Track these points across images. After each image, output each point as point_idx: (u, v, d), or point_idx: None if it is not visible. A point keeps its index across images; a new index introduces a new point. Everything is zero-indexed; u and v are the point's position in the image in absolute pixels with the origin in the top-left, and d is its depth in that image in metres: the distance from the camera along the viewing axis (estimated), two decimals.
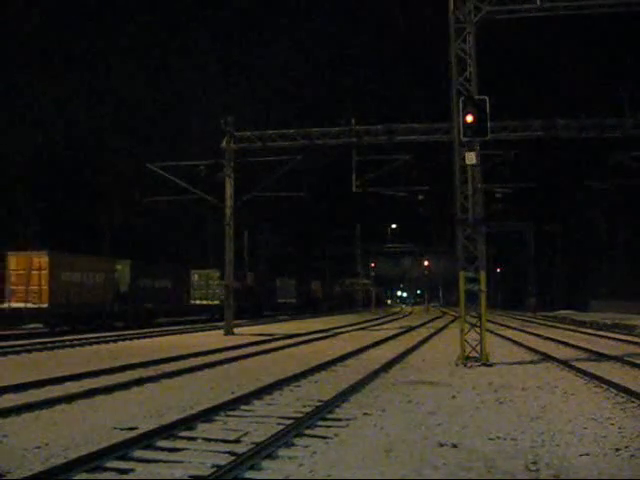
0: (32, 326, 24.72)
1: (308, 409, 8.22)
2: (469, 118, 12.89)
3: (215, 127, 25.37)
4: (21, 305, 23.97)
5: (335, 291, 69.24)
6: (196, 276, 37.28)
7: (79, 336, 21.77)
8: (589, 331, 27.31)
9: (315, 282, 62.41)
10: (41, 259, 24.68)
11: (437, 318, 45.85)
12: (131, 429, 7.11)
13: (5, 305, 24.01)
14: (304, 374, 11.67)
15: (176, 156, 31.45)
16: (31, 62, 47.15)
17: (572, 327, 31.56)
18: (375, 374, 11.73)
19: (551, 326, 32.86)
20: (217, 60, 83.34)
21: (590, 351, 16.38)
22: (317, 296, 61.42)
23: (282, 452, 6.22)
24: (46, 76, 44.27)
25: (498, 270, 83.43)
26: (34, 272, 24.51)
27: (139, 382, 10.73)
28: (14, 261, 24.85)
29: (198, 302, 36.80)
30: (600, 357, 15.07)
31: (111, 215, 47.75)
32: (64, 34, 51.68)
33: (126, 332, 24.34)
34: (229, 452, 6.16)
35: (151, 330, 26.06)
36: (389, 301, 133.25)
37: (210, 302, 37.46)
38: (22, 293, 24.41)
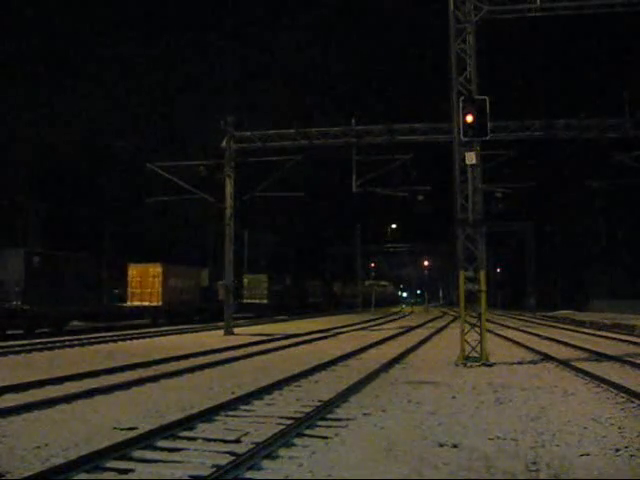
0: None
1: (308, 409, 8.22)
2: (469, 118, 12.90)
3: (215, 127, 25.40)
4: (145, 304, 31.25)
5: (354, 292, 73.45)
6: (246, 280, 44.98)
7: (79, 336, 21.82)
8: (589, 331, 27.29)
9: (337, 284, 68.43)
10: (156, 269, 32.02)
11: (437, 318, 45.83)
12: (131, 429, 7.11)
13: (138, 303, 31.18)
14: (304, 374, 11.67)
15: (176, 156, 31.53)
16: (31, 62, 47.15)
17: (572, 327, 31.55)
18: (375, 374, 11.73)
19: (551, 326, 32.85)
20: (218, 59, 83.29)
21: (590, 351, 16.37)
22: (338, 296, 67.64)
23: (282, 452, 6.22)
24: (46, 76, 44.29)
25: (498, 270, 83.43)
26: (150, 279, 31.71)
27: (139, 382, 10.72)
28: (134, 271, 31.80)
29: (250, 301, 44.32)
30: (600, 357, 15.07)
31: (111, 215, 47.71)
32: (63, 33, 51.68)
33: (126, 332, 24.41)
34: (229, 452, 6.16)
35: (151, 330, 26.12)
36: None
37: (260, 301, 45.21)
38: (142, 295, 31.57)
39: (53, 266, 25.07)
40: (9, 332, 22.07)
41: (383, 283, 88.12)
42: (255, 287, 45.42)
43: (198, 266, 38.41)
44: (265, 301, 45.46)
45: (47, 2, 52.43)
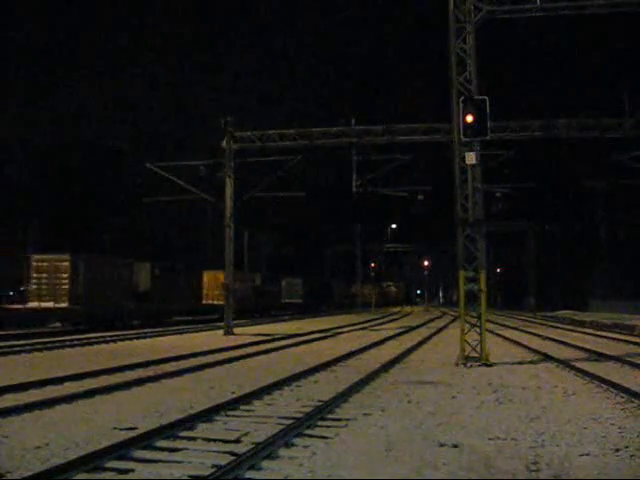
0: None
1: (308, 409, 8.22)
2: (469, 118, 12.89)
3: (215, 127, 25.39)
4: (219, 302, 35.64)
5: (366, 291, 77.29)
6: (284, 282, 52.50)
7: (79, 336, 21.82)
8: (589, 331, 27.29)
9: (354, 285, 73.42)
10: (223, 275, 38.02)
11: (437, 318, 45.82)
12: (131, 429, 7.10)
13: (211, 302, 38.42)
14: (304, 374, 11.66)
15: (177, 156, 31.64)
16: (32, 62, 47.16)
17: (572, 327, 31.55)
18: (375, 374, 11.72)
19: (551, 326, 32.85)
20: (219, 60, 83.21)
21: (590, 351, 16.37)
22: (356, 295, 72.67)
23: (282, 452, 6.21)
24: (47, 76, 44.26)
25: (498, 270, 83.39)
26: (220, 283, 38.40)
27: (139, 382, 10.71)
28: (206, 277, 38.90)
29: (288, 300, 52.42)
30: (600, 357, 15.07)
31: (111, 215, 47.75)
32: (63, 31, 51.68)
33: (126, 332, 24.41)
34: (229, 452, 6.15)
35: (151, 330, 26.13)
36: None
37: (295, 300, 53.29)
38: (218, 296, 36.68)
39: (167, 274, 32.11)
40: (117, 323, 27.55)
41: (399, 284, 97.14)
42: (292, 289, 53.10)
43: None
44: (300, 301, 53.38)
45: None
